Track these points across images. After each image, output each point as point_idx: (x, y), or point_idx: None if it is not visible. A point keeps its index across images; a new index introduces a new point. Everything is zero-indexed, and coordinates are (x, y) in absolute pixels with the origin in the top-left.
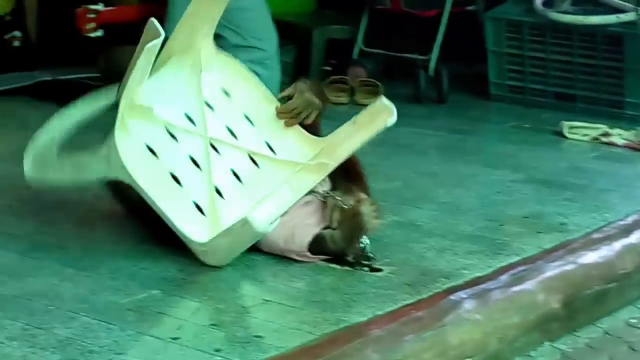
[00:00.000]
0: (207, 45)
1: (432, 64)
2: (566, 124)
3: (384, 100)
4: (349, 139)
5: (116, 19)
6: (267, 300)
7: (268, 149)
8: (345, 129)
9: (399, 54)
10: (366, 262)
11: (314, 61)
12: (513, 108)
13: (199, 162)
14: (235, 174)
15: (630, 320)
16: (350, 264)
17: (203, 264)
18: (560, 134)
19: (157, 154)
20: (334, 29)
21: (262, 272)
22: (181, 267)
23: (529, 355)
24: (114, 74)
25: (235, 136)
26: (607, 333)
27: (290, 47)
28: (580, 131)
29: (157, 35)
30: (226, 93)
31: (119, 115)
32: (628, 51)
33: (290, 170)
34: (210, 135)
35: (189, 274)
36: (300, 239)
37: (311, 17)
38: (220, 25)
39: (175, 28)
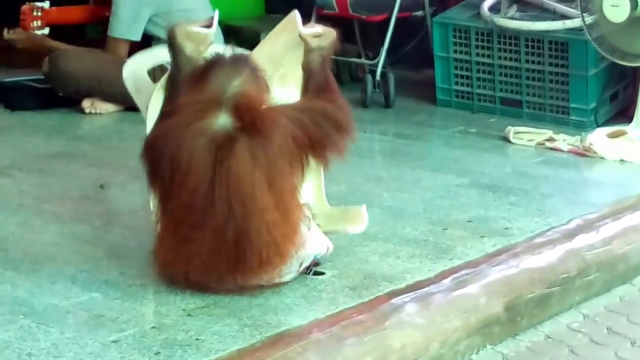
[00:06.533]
0: None
1: (380, 69)
2: (512, 129)
3: None
4: None
5: (64, 19)
6: (208, 304)
7: None
8: None
9: (346, 59)
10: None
11: None
12: (459, 113)
13: None
14: None
15: (572, 324)
16: None
17: (145, 267)
18: (506, 139)
19: None
20: None
21: None
22: (123, 270)
23: (471, 359)
24: (59, 77)
25: None
26: (549, 337)
27: None
28: (526, 136)
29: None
30: None
31: None
32: (573, 57)
33: None
34: None
35: (130, 277)
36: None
37: (259, 21)
38: (161, 27)
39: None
